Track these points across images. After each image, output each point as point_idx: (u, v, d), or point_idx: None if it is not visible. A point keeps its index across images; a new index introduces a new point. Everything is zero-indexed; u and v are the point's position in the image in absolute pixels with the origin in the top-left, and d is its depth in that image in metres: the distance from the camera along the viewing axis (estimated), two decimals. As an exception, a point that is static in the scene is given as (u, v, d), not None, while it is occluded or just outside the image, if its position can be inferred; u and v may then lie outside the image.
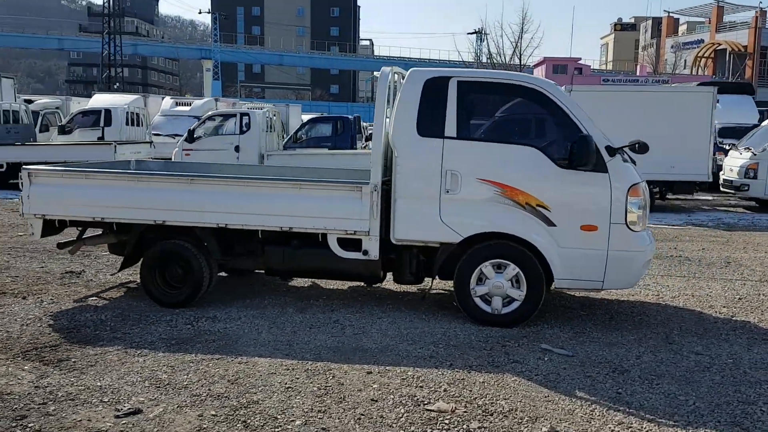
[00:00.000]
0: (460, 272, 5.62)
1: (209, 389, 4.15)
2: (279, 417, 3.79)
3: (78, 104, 23.06)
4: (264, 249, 6.02)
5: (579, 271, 5.50)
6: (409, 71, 5.82)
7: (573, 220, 5.46)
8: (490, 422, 3.81)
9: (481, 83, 5.85)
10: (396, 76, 6.20)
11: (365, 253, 5.67)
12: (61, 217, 6.13)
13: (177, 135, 18.04)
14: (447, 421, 3.79)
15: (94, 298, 6.31)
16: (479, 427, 3.73)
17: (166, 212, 5.90)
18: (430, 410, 3.91)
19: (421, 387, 4.28)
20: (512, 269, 5.52)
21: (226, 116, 15.66)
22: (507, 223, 5.51)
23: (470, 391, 4.25)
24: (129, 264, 6.30)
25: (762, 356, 5.09)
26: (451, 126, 5.56)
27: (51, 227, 6.22)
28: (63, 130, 18.33)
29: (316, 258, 5.86)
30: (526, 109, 5.81)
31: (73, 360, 4.63)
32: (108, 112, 18.79)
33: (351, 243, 5.69)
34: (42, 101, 22.62)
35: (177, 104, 22.80)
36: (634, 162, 5.84)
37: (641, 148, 5.47)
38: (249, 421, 3.74)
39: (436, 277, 5.93)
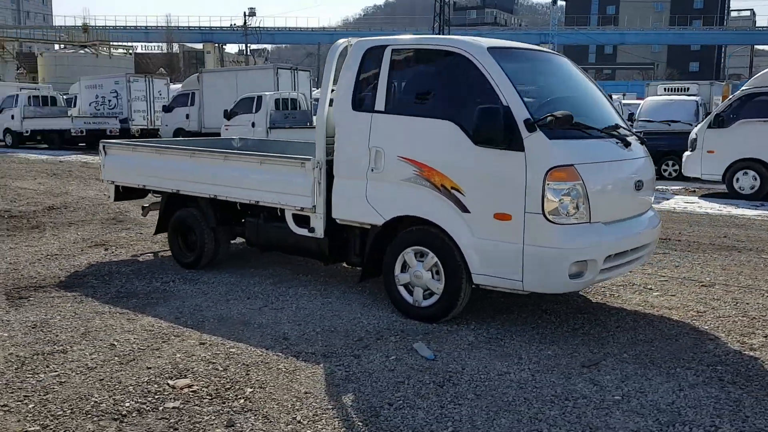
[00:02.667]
0: (386, 258, 5.24)
1: (57, 336, 4.71)
2: (65, 356, 4.18)
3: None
4: (243, 220, 6.37)
5: (496, 266, 4.69)
6: (355, 41, 5.55)
7: (486, 206, 4.68)
8: (211, 404, 3.68)
9: (411, 50, 5.27)
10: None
11: (312, 230, 5.64)
12: (120, 183, 7.29)
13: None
14: (173, 395, 3.77)
15: (138, 254, 7.36)
16: (181, 406, 3.64)
17: (180, 182, 6.62)
18: (169, 384, 3.91)
19: (212, 363, 4.25)
20: (431, 258, 4.96)
21: (250, 99, 18.77)
22: (423, 207, 4.96)
23: (242, 374, 4.09)
24: (162, 229, 7.18)
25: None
26: (380, 99, 5.19)
27: (121, 192, 7.41)
28: (167, 109, 21.16)
29: (278, 232, 5.99)
30: (450, 77, 5.06)
31: (30, 299, 5.62)
32: (259, 98, 20.47)
33: (304, 219, 5.71)
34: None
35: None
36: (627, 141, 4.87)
37: (561, 120, 4.45)
38: (40, 360, 4.20)
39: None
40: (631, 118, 18.15)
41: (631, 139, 5.13)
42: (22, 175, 15.66)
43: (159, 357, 4.32)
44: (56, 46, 59.69)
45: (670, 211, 11.02)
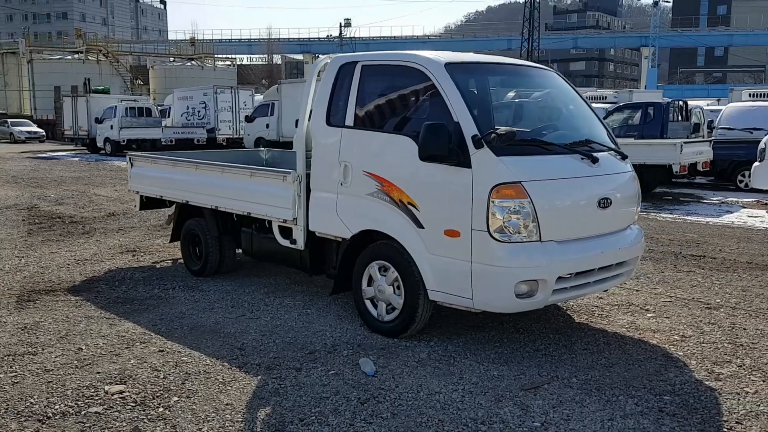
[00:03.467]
0: (354, 272, 5.29)
1: (38, 338, 5.05)
2: (33, 358, 4.49)
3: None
4: (240, 230, 6.57)
5: (448, 283, 4.62)
6: (333, 57, 5.63)
7: (438, 222, 4.63)
8: (132, 411, 3.85)
9: (378, 66, 5.27)
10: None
11: (294, 242, 5.77)
12: (143, 193, 7.69)
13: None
14: (101, 400, 3.97)
15: (159, 261, 7.72)
16: (103, 411, 3.82)
17: (188, 193, 6.93)
18: (105, 389, 4.11)
19: (158, 371, 4.43)
20: (392, 273, 4.96)
21: None
22: (384, 222, 4.96)
23: (179, 383, 4.23)
24: (175, 237, 7.49)
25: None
26: (350, 114, 5.25)
27: (144, 201, 7.82)
28: (249, 120, 21.04)
29: (268, 243, 6.13)
30: (409, 93, 5.03)
31: (36, 302, 6.04)
32: None
33: (288, 231, 5.84)
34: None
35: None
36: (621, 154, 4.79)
37: (503, 136, 4.36)
38: (8, 361, 4.55)
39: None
40: (710, 125, 17.22)
41: (603, 154, 4.93)
42: (104, 183, 16.73)
43: (113, 362, 4.55)
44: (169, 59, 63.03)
45: (725, 226, 10.40)
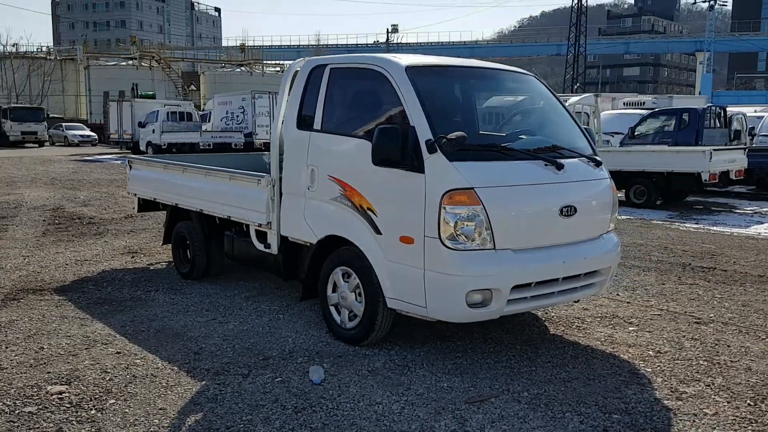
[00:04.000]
0: (320, 277, 5.21)
1: (6, 336, 5.12)
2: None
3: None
4: (223, 234, 6.56)
5: (404, 291, 4.50)
6: (306, 60, 5.57)
7: (394, 228, 4.51)
8: (65, 412, 3.84)
9: (345, 69, 5.17)
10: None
11: (268, 246, 5.74)
12: (140, 195, 7.77)
13: (617, 133, 18.54)
14: (39, 400, 3.98)
15: (154, 263, 7.79)
16: (36, 411, 3.83)
17: (177, 196, 6.97)
18: (47, 390, 4.13)
19: (107, 372, 4.42)
20: (354, 279, 4.86)
21: None
22: (346, 228, 4.87)
23: (122, 386, 4.21)
24: (167, 240, 7.53)
25: None
26: (318, 118, 5.18)
27: (144, 204, 7.90)
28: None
29: (247, 247, 6.10)
30: (371, 96, 4.93)
31: (21, 301, 6.14)
32: None
33: (264, 235, 5.81)
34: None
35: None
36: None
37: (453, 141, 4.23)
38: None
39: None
40: (751, 132, 16.58)
41: (573, 161, 4.74)
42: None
43: (68, 363, 4.56)
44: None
45: (748, 237, 9.96)
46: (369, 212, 4.64)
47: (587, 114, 15.28)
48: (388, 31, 62.88)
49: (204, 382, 4.25)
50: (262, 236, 5.77)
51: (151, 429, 3.64)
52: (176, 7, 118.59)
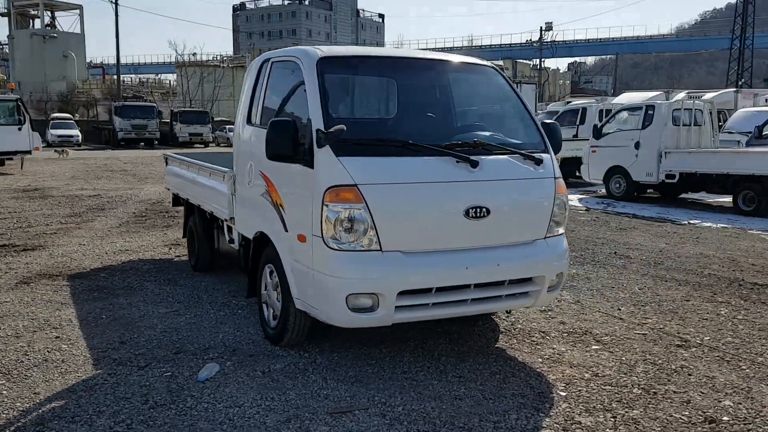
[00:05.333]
0: (257, 274, 5.14)
1: None
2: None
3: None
4: (215, 229, 6.67)
5: (303, 291, 4.31)
6: (260, 56, 5.51)
7: (295, 226, 4.33)
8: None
9: (279, 62, 4.99)
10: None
11: (231, 241, 5.78)
12: (172, 190, 8.13)
13: (746, 132, 16.86)
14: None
15: (180, 256, 8.08)
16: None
17: (187, 192, 7.23)
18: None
19: (27, 356, 4.63)
20: (275, 278, 4.77)
21: (634, 109, 14.11)
22: (266, 224, 4.77)
23: (24, 369, 4.38)
24: (185, 233, 7.78)
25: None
26: (257, 113, 5.13)
27: (175, 199, 8.26)
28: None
29: (224, 243, 6.18)
30: (290, 89, 4.70)
31: (30, 284, 6.63)
32: (584, 110, 19.05)
33: (231, 230, 5.85)
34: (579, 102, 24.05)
35: None
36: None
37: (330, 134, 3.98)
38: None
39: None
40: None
41: (499, 158, 4.29)
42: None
43: (4, 344, 4.85)
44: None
45: None
46: (281, 209, 4.51)
47: (652, 109, 13.61)
48: (541, 29, 61.02)
49: (98, 371, 4.33)
50: (230, 231, 5.80)
51: (11, 411, 3.75)
52: (343, 15, 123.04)
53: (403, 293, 3.97)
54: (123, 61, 57.18)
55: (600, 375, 4.27)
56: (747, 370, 4.36)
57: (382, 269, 3.92)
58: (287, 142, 4.10)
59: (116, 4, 54.03)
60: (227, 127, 48.04)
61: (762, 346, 4.83)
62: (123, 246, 8.61)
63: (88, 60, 73.80)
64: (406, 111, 4.73)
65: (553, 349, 4.75)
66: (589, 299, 6.08)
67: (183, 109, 48.38)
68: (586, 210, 12.64)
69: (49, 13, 71.51)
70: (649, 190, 14.23)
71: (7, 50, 73.42)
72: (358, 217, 3.90)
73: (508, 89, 4.86)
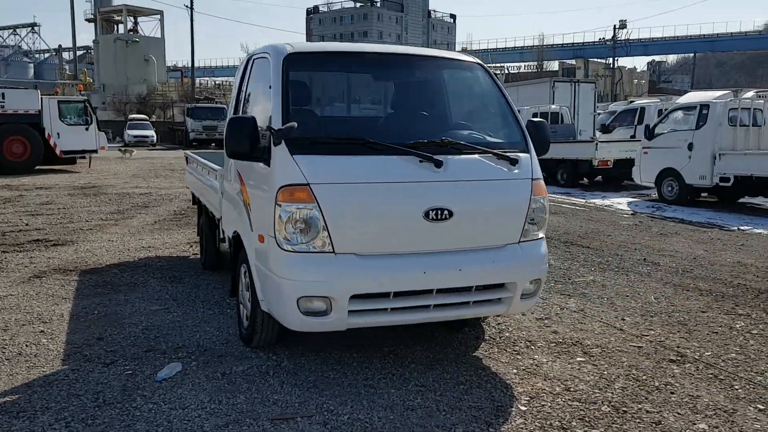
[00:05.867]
0: (237, 274, 5.08)
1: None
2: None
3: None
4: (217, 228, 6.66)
5: (264, 292, 4.20)
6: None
7: (257, 226, 4.24)
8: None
9: (258, 59, 4.87)
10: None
11: (222, 240, 5.76)
12: (190, 189, 8.20)
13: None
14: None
15: (197, 253, 8.14)
16: None
17: (197, 191, 7.28)
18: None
19: (3, 349, 4.71)
20: (248, 278, 4.68)
21: (688, 109, 13.39)
22: (239, 224, 4.71)
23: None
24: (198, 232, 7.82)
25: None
26: (241, 108, 5.07)
27: (193, 196, 8.33)
28: (605, 128, 18.93)
29: (221, 242, 6.17)
30: (263, 85, 4.59)
31: (43, 279, 6.79)
32: (642, 110, 18.30)
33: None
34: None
35: None
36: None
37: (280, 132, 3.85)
38: None
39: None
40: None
41: (468, 157, 4.06)
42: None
43: (-12, 336, 4.96)
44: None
45: None
46: (248, 208, 4.43)
47: (706, 108, 12.79)
48: (615, 27, 59.25)
49: (64, 367, 4.34)
50: (222, 230, 5.78)
51: (-39, 404, 3.79)
52: (414, 17, 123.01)
53: (357, 297, 3.81)
54: (201, 64, 58.89)
55: (572, 389, 3.99)
56: (738, 391, 3.99)
57: (334, 272, 3.77)
58: (245, 140, 4.00)
59: (191, 9, 55.75)
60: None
61: (765, 364, 4.42)
62: (148, 243, 8.74)
63: (168, 63, 76.36)
64: (374, 108, 4.57)
65: (534, 359, 4.48)
66: (595, 308, 5.75)
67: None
68: (631, 214, 12.09)
69: (131, 18, 74.56)
70: (704, 194, 13.49)
71: (93, 54, 76.96)
72: (310, 218, 3.77)
73: (492, 86, 4.62)
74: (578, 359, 4.50)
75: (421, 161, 3.92)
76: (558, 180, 17.07)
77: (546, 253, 4.32)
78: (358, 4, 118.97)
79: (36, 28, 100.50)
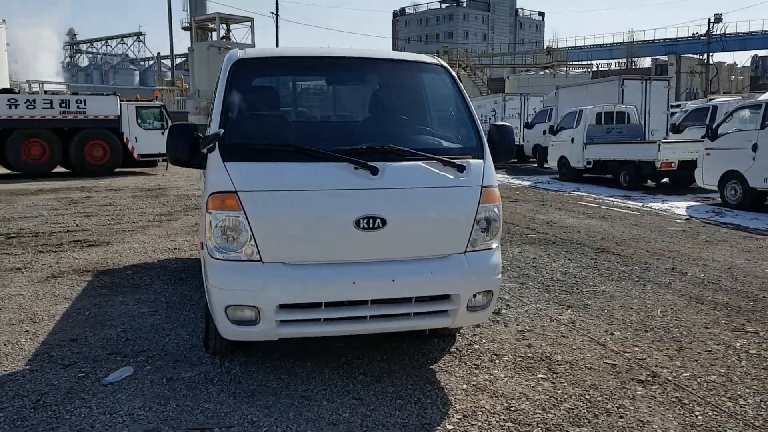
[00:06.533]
0: (206, 279, 5.10)
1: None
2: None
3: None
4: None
5: (207, 300, 4.21)
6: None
7: (200, 233, 4.25)
8: None
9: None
10: None
11: (208, 245, 5.81)
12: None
13: None
14: None
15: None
16: None
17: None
18: None
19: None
20: (208, 283, 4.69)
21: (754, 107, 12.50)
22: (202, 231, 4.72)
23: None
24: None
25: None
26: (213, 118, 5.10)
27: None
28: (676, 128, 18.06)
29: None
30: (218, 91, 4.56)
31: (59, 279, 7.07)
32: (714, 109, 17.27)
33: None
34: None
35: None
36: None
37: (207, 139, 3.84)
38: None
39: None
40: None
41: (402, 165, 3.90)
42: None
43: (-25, 335, 5.19)
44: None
45: None
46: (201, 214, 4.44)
47: None
48: (709, 21, 56.33)
49: (25, 368, 4.46)
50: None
51: None
52: (501, 15, 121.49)
53: (287, 307, 3.73)
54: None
55: (513, 409, 3.76)
56: (699, 417, 3.66)
57: (260, 281, 3.71)
58: (184, 147, 3.99)
59: (276, 15, 57.24)
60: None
61: (747, 388, 4.03)
62: (176, 245, 8.96)
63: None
64: (319, 113, 4.47)
65: (491, 375, 4.27)
66: (589, 321, 5.44)
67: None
68: (685, 219, 11.42)
69: (224, 26, 77.34)
70: (773, 198, 12.59)
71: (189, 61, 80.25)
72: (237, 226, 3.72)
73: (452, 89, 4.43)
74: (539, 376, 4.25)
75: (356, 168, 3.80)
76: (620, 182, 16.37)
77: (498, 263, 4.09)
78: (444, 5, 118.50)
79: (141, 37, 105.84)
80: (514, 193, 15.90)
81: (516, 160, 27.07)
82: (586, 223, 10.81)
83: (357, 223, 3.72)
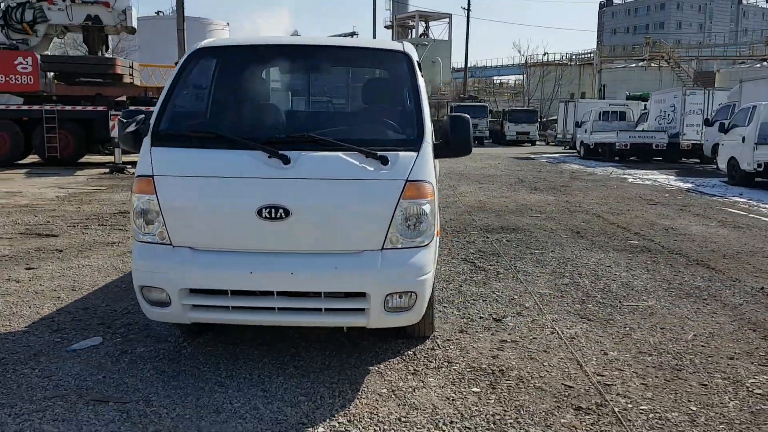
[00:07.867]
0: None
1: None
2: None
3: None
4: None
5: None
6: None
7: None
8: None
9: None
10: None
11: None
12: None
13: None
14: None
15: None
16: None
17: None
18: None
19: None
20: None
21: (748, 109, 10.95)
22: None
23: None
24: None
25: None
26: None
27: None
28: (708, 123, 19.16)
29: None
30: None
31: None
32: (754, 108, 14.83)
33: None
34: None
35: None
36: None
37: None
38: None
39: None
40: None
41: (319, 155, 3.78)
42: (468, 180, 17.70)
43: (13, 295, 5.82)
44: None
45: None
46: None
47: None
48: None
49: (22, 329, 4.92)
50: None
51: None
52: (720, 3, 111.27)
53: (197, 292, 3.80)
54: (480, 65, 60.23)
55: (406, 420, 3.49)
56: (604, 458, 3.14)
57: (167, 264, 3.79)
58: (128, 134, 4.16)
59: (468, 11, 57.42)
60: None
61: (727, 413, 3.39)
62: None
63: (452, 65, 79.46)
64: (254, 102, 4.42)
65: (421, 382, 3.99)
66: (594, 338, 4.88)
67: (512, 108, 49.10)
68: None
69: (423, 23, 79.25)
70: None
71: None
72: (152, 209, 3.83)
73: (407, 78, 4.20)
74: (472, 389, 3.90)
75: (270, 157, 3.74)
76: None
77: (426, 264, 3.81)
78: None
79: (354, 36, 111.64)
80: (658, 195, 14.57)
81: (698, 161, 24.85)
82: (710, 233, 9.64)
83: (259, 212, 3.66)
